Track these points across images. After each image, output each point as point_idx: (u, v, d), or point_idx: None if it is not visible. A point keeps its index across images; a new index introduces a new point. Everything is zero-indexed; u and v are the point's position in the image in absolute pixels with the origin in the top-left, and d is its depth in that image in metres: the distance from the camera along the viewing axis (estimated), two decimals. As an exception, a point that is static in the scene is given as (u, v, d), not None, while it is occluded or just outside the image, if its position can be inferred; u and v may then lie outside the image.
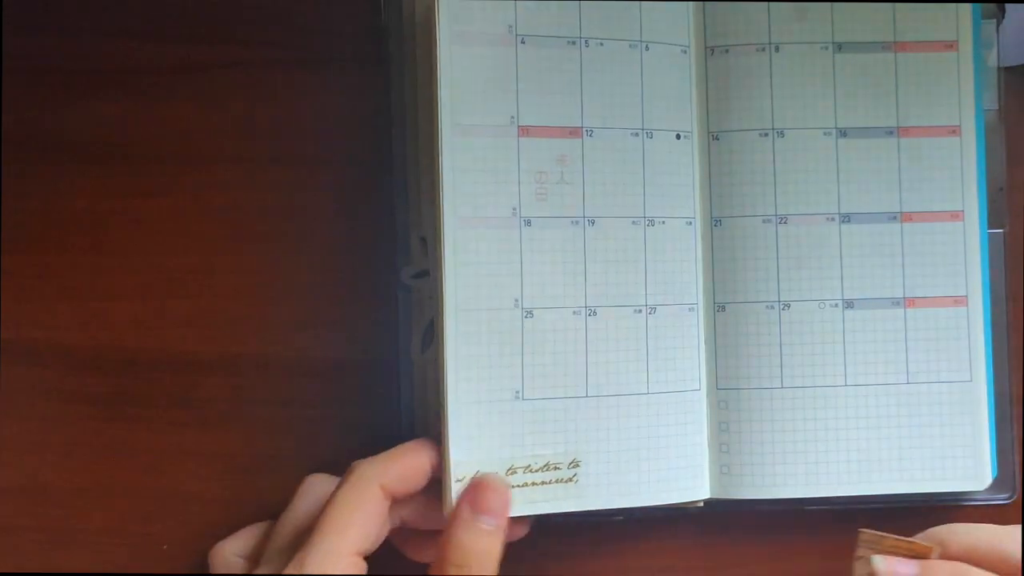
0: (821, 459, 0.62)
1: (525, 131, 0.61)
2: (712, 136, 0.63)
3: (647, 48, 0.62)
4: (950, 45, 0.63)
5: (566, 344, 0.61)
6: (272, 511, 0.61)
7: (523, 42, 0.61)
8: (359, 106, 0.65)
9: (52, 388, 0.65)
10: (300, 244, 0.65)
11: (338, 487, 0.57)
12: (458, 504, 0.57)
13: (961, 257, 0.63)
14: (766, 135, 0.62)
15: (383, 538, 0.58)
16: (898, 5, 0.63)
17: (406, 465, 0.58)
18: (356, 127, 0.65)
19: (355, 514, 0.56)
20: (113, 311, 0.65)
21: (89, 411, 0.65)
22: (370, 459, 0.58)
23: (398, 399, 0.63)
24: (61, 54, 0.66)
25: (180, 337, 0.65)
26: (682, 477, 0.62)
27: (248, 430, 0.65)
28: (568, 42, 0.62)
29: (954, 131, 0.63)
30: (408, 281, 0.63)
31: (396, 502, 0.58)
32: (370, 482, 0.57)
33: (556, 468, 0.61)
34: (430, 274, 0.62)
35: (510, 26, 0.61)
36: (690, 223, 0.63)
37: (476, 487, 0.57)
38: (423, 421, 0.63)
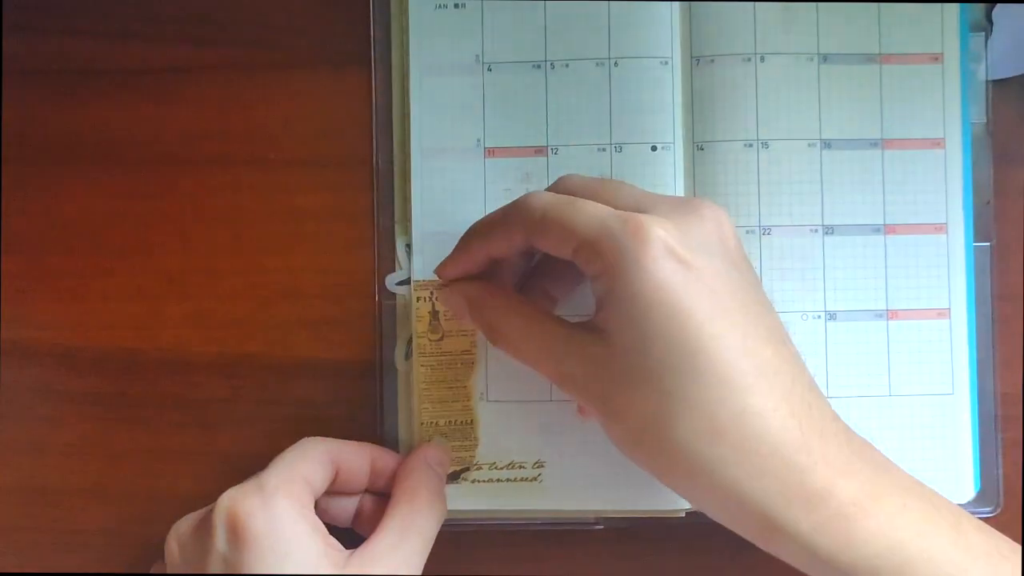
0: (803, 470, 0.61)
1: (491, 152, 0.63)
2: (697, 147, 0.63)
3: (616, 64, 0.63)
4: (935, 57, 0.63)
5: None
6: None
7: (489, 69, 0.63)
8: (355, 107, 0.65)
9: (52, 388, 0.66)
10: (298, 245, 0.65)
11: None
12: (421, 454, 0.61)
13: (944, 270, 0.63)
14: (751, 146, 0.62)
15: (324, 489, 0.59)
16: (883, 17, 0.63)
17: (354, 450, 0.60)
18: (354, 128, 0.65)
19: (301, 459, 0.57)
20: (113, 311, 0.66)
21: (89, 411, 0.66)
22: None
23: (380, 407, 0.64)
24: (61, 54, 0.66)
25: (180, 337, 0.66)
26: (658, 485, 0.60)
27: (248, 430, 0.65)
28: (533, 66, 0.63)
29: (938, 143, 0.63)
30: (393, 288, 0.63)
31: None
32: (318, 444, 0.59)
33: (520, 467, 0.62)
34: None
35: (477, 55, 0.63)
36: (671, 234, 0.62)
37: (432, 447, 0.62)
38: (407, 428, 0.64)
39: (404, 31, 0.64)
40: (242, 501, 0.54)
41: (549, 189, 0.57)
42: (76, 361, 0.66)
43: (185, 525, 0.57)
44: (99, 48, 0.66)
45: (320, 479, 0.57)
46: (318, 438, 0.59)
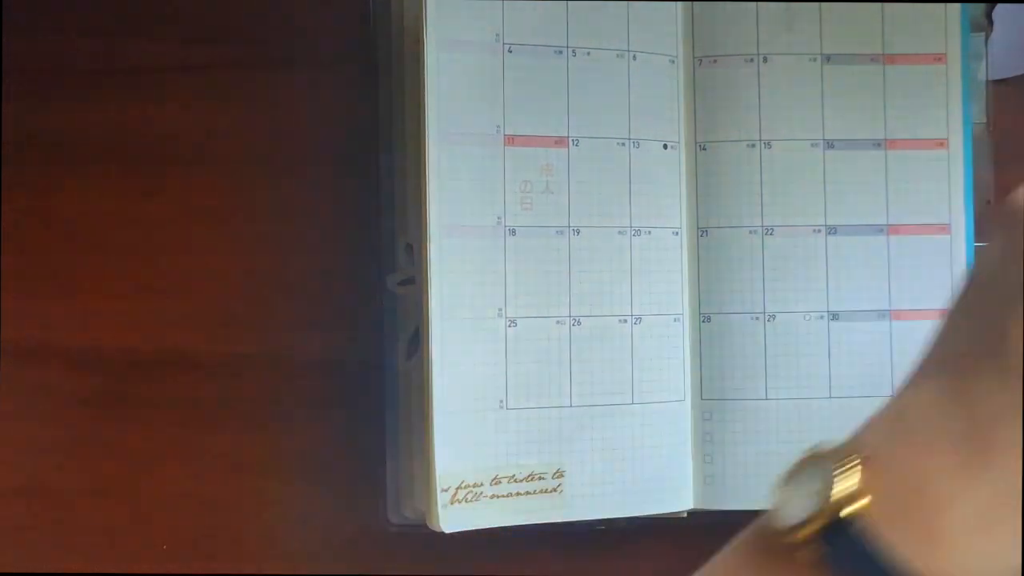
0: (805, 471, 0.62)
1: (511, 140, 0.62)
2: (700, 146, 0.63)
3: (635, 58, 0.63)
4: (939, 58, 0.63)
5: (549, 354, 0.61)
6: (271, 511, 0.62)
7: (510, 51, 0.62)
8: (356, 108, 0.65)
9: (52, 388, 0.66)
10: (298, 245, 0.65)
11: None
12: None
13: (947, 270, 0.63)
14: (753, 146, 0.62)
15: None
16: (887, 17, 0.63)
17: None
18: (355, 128, 0.65)
19: None
20: (113, 311, 0.66)
21: (89, 411, 0.66)
22: None
23: (382, 408, 0.64)
24: (61, 54, 0.66)
25: (179, 337, 0.66)
26: (665, 487, 0.62)
27: (247, 430, 0.65)
28: (555, 51, 0.62)
29: (941, 144, 0.63)
30: (393, 288, 0.63)
31: None
32: None
33: (540, 478, 0.61)
34: (415, 281, 0.62)
35: (497, 34, 0.61)
36: (676, 233, 0.63)
37: None
38: (407, 429, 0.63)
39: (420, 6, 0.61)
40: None
41: None
42: (76, 361, 0.66)
43: None
44: (99, 47, 0.66)
45: None
46: None
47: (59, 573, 0.65)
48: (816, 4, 0.63)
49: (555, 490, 0.61)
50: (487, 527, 0.61)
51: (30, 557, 0.65)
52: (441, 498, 0.59)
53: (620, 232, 0.62)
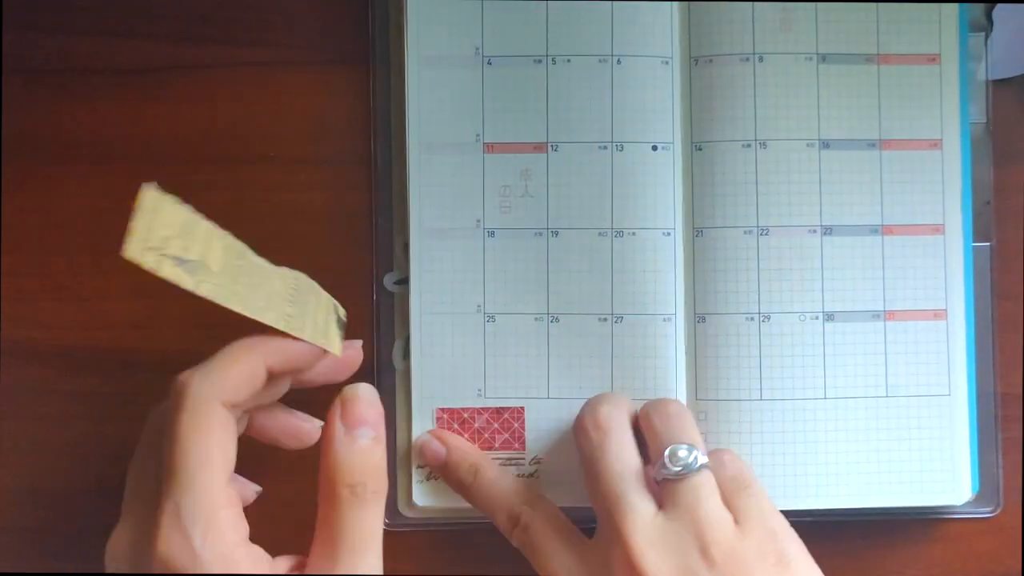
0: (799, 471, 0.61)
1: (490, 148, 0.63)
2: (695, 146, 0.63)
3: (619, 62, 0.63)
4: (933, 59, 0.63)
5: (527, 348, 0.63)
6: (271, 510, 0.62)
7: (489, 63, 0.63)
8: (355, 107, 0.65)
9: (52, 388, 0.66)
10: (300, 244, 0.65)
11: (176, 416, 0.49)
12: (331, 424, 0.51)
13: (941, 271, 0.62)
14: (749, 146, 0.62)
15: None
16: (882, 18, 0.63)
17: (242, 373, 0.51)
18: (352, 128, 0.65)
19: (211, 445, 0.49)
20: (113, 311, 0.66)
21: (89, 410, 0.66)
22: (197, 372, 0.51)
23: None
24: (61, 54, 0.66)
25: (180, 337, 0.66)
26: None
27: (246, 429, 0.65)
28: (534, 60, 0.63)
29: (935, 144, 0.63)
30: (391, 288, 0.64)
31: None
32: (211, 401, 0.50)
33: (518, 464, 0.63)
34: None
35: (477, 48, 0.63)
36: (668, 234, 0.63)
37: (346, 402, 0.52)
38: (406, 428, 0.63)
39: (403, 24, 0.63)
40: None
41: None
42: (76, 361, 0.66)
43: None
44: (99, 47, 0.66)
45: (231, 461, 0.50)
46: (203, 393, 0.50)
47: (59, 573, 0.65)
48: (812, 4, 0.63)
49: (532, 476, 0.63)
50: (462, 507, 0.63)
51: (30, 557, 0.66)
52: (416, 474, 0.63)
53: (600, 234, 0.63)
